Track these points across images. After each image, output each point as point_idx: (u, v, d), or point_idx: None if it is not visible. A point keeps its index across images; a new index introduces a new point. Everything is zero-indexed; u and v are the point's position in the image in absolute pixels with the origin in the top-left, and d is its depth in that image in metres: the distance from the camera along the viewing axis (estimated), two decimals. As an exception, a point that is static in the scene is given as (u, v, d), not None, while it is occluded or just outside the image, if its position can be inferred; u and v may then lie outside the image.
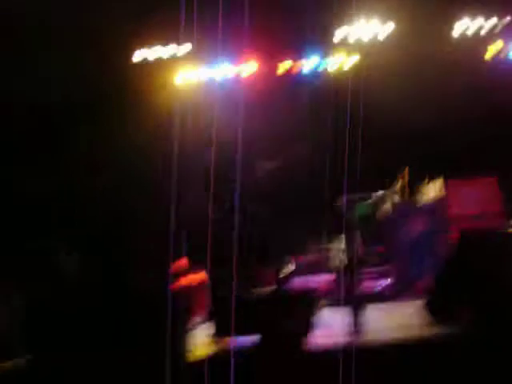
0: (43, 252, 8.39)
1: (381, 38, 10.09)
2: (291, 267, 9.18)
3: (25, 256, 8.10)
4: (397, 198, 9.62)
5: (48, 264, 8.12)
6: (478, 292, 6.22)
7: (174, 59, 9.78)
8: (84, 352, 6.30)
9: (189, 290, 7.23)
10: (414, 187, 9.68)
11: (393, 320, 7.33)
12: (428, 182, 9.77)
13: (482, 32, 10.22)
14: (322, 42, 10.15)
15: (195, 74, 9.91)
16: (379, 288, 9.00)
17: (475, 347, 5.76)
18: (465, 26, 10.17)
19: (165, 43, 9.72)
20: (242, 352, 6.01)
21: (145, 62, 9.88)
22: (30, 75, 8.96)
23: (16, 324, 6.89)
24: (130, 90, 9.39)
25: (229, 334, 6.15)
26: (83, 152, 9.53)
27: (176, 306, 6.59)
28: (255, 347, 5.83)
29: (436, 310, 6.53)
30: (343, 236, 7.94)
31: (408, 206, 9.47)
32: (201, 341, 6.61)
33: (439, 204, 9.39)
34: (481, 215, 9.26)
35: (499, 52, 10.32)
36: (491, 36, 10.25)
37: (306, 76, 10.29)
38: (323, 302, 8.55)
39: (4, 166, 9.08)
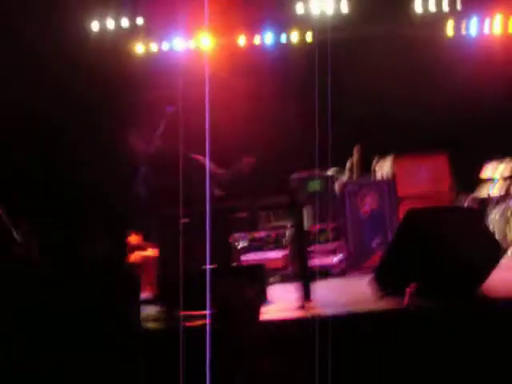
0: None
1: (344, 10, 10.05)
2: (243, 243, 9.27)
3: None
4: (348, 176, 9.74)
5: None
6: (423, 268, 6.36)
7: (126, 32, 9.68)
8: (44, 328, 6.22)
9: (137, 265, 7.26)
10: (364, 165, 9.80)
11: (343, 295, 7.46)
12: (378, 160, 9.90)
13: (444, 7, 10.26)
14: (283, 14, 10.08)
15: (149, 48, 9.84)
16: (329, 264, 9.14)
17: (420, 321, 5.89)
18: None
19: (117, 16, 9.62)
20: (193, 328, 6.04)
21: (97, 35, 9.75)
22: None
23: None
24: (83, 64, 9.27)
25: (180, 310, 6.18)
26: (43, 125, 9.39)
27: (131, 277, 6.60)
28: (207, 322, 5.86)
29: (383, 285, 6.65)
30: (294, 212, 7.98)
31: (358, 184, 9.59)
32: (151, 316, 6.63)
33: (389, 182, 9.53)
34: (430, 194, 9.42)
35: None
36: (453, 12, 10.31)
37: (268, 49, 10.16)
38: (275, 277, 8.68)
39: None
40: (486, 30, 10.76)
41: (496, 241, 7.06)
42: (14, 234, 8.14)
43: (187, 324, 5.96)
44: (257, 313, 6.12)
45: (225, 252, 8.24)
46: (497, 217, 9.95)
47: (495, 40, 10.82)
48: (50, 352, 5.86)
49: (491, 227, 9.47)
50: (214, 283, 5.67)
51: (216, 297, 5.76)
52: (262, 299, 6.65)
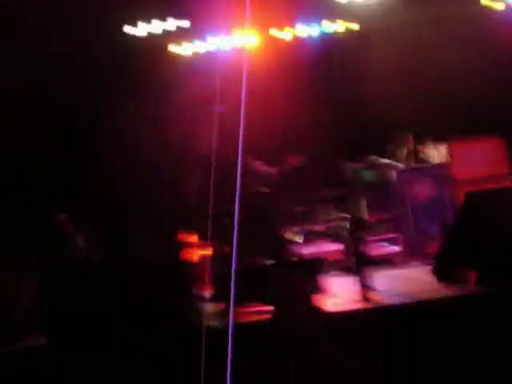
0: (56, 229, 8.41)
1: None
2: (300, 236, 9.23)
3: (37, 233, 8.15)
4: (402, 164, 9.62)
5: (60, 240, 8.16)
6: (485, 252, 6.24)
7: (172, 33, 9.72)
8: (98, 330, 6.34)
9: (195, 264, 7.29)
10: (418, 153, 9.67)
11: (401, 286, 7.37)
12: (433, 147, 9.75)
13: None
14: (325, 4, 9.97)
15: (193, 48, 9.85)
16: (390, 253, 9.04)
17: (482, 309, 5.79)
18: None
19: (163, 18, 9.67)
20: (255, 323, 6.06)
21: (144, 36, 9.81)
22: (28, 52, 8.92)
23: (28, 302, 6.94)
24: (130, 65, 9.34)
25: (240, 306, 6.19)
26: (86, 130, 9.52)
27: (188, 276, 6.66)
28: (269, 317, 5.87)
29: (443, 274, 6.54)
30: (349, 203, 7.95)
31: (413, 172, 9.46)
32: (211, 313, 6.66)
33: (445, 168, 9.37)
34: (488, 178, 9.23)
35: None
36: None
37: (314, 41, 10.04)
38: (332, 270, 8.62)
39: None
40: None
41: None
42: (78, 239, 8.30)
43: (240, 320, 5.99)
44: (316, 304, 6.10)
45: (278, 246, 8.23)
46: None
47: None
48: (110, 349, 5.98)
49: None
50: (272, 278, 5.68)
51: (274, 291, 5.77)
52: (320, 294, 6.62)
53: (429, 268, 6.90)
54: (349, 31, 9.91)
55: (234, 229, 5.10)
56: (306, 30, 9.76)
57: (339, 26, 9.83)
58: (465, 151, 9.40)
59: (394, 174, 9.48)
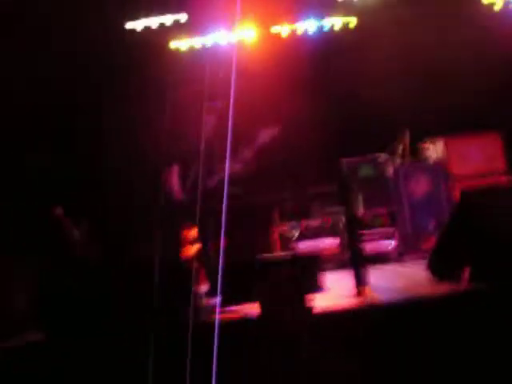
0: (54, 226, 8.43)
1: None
2: (296, 232, 9.25)
3: (36, 230, 8.17)
4: (399, 160, 9.63)
5: (57, 233, 8.18)
6: (478, 249, 6.26)
7: (170, 28, 9.69)
8: (96, 327, 6.36)
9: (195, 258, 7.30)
10: (415, 148, 9.67)
11: (397, 281, 7.40)
12: (429, 143, 9.75)
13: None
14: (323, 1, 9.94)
15: (192, 43, 9.83)
16: (386, 249, 9.07)
17: (477, 305, 5.81)
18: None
19: (160, 13, 9.64)
20: (249, 319, 6.07)
21: (142, 31, 9.78)
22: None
23: (27, 298, 6.98)
24: (128, 60, 9.33)
25: (235, 302, 6.21)
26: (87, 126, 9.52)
27: (189, 273, 6.67)
28: (262, 313, 5.87)
29: (439, 269, 6.57)
30: (345, 198, 7.94)
31: (412, 167, 9.47)
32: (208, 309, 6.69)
33: (441, 164, 9.39)
34: (485, 173, 9.24)
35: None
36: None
37: (311, 37, 10.01)
38: (331, 264, 8.64)
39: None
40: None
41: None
42: (75, 233, 8.31)
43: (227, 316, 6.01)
44: (308, 301, 6.11)
45: (266, 243, 8.24)
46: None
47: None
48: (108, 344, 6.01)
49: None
50: (265, 273, 5.69)
51: (267, 286, 5.78)
52: (316, 287, 6.64)
53: (424, 264, 6.92)
54: (346, 27, 9.88)
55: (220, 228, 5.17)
56: (304, 26, 9.73)
57: (337, 22, 9.80)
58: (461, 147, 9.42)
59: (391, 170, 9.50)
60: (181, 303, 6.23)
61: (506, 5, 10.07)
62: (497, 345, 5.65)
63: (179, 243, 7.04)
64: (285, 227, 9.23)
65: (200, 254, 7.24)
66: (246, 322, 5.85)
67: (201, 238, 7.09)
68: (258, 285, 6.04)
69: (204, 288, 7.25)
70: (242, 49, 9.46)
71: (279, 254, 8.70)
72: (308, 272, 6.73)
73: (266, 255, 7.28)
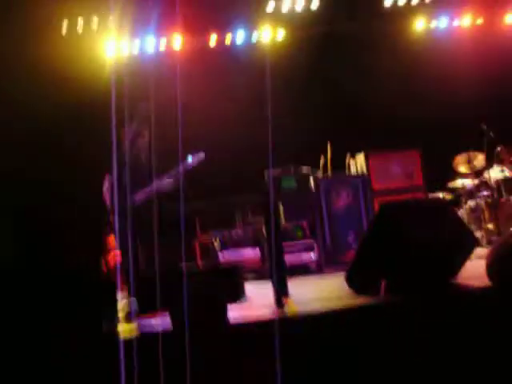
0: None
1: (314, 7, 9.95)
2: (217, 242, 9.27)
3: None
4: (320, 173, 9.78)
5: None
6: (396, 262, 6.40)
7: (97, 32, 9.58)
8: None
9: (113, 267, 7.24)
10: (336, 162, 9.84)
11: (316, 292, 7.49)
12: (351, 157, 9.96)
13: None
14: (253, 11, 10.01)
15: (119, 48, 9.76)
16: (306, 260, 9.18)
17: (394, 316, 5.92)
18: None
19: (87, 15, 9.52)
20: (166, 330, 6.01)
21: (69, 35, 9.64)
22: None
23: None
24: (54, 65, 9.16)
25: (153, 311, 6.15)
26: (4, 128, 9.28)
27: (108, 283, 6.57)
28: (178, 324, 5.83)
29: (357, 281, 6.68)
30: (268, 209, 8.00)
31: (333, 180, 9.64)
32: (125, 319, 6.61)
33: (363, 177, 9.59)
34: (403, 189, 9.50)
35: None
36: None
37: (239, 48, 10.06)
38: (248, 275, 8.69)
39: None
40: (456, 23, 10.82)
41: (469, 231, 7.09)
42: None
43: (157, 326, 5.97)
44: (229, 313, 6.11)
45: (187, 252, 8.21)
46: (470, 208, 10.06)
47: (464, 32, 10.87)
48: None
49: (464, 218, 9.58)
50: (189, 283, 5.66)
51: (186, 296, 5.75)
52: (236, 298, 6.65)
53: (342, 276, 7.02)
54: (274, 39, 10.01)
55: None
56: (232, 37, 9.82)
57: (265, 34, 9.92)
58: (382, 162, 9.65)
59: (312, 182, 9.64)
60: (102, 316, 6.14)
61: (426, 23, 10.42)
62: (411, 354, 5.78)
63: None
64: (206, 237, 9.24)
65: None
66: (158, 334, 5.78)
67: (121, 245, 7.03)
68: (173, 295, 6.00)
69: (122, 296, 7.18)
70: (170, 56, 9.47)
71: (198, 263, 8.70)
72: (227, 282, 6.75)
73: (184, 264, 7.25)
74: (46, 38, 9.01)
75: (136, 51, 9.82)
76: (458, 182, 10.39)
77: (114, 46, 9.70)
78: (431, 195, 9.94)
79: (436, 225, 6.60)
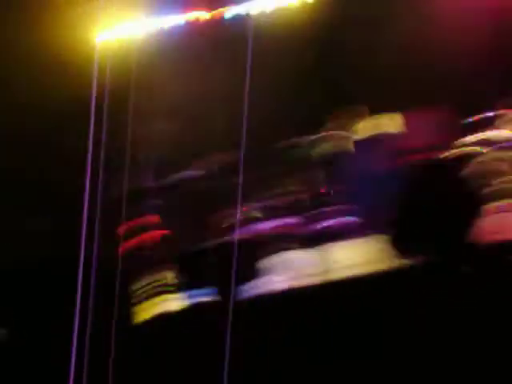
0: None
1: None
2: (255, 212, 9.33)
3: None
4: (358, 136, 9.76)
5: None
6: (432, 224, 6.41)
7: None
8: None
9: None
10: (367, 124, 9.81)
11: (357, 256, 7.53)
12: (387, 118, 9.90)
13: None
14: None
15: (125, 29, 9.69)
16: (344, 225, 9.21)
17: (434, 278, 5.95)
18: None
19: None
20: (200, 305, 6.06)
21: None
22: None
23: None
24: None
25: (190, 287, 6.22)
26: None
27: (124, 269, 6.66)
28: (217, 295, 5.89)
29: (397, 243, 6.70)
30: (306, 176, 8.05)
31: (368, 143, 9.62)
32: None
33: (398, 139, 9.55)
34: (435, 147, 9.44)
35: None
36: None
37: (228, 22, 9.93)
38: (287, 244, 8.74)
39: None
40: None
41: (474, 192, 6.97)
42: None
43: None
44: (272, 282, 6.16)
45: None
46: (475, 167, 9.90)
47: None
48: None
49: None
50: (224, 257, 5.67)
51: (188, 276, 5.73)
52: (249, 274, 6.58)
53: (382, 238, 7.06)
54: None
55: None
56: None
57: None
58: (416, 121, 9.59)
59: (350, 146, 9.65)
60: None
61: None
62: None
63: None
64: (248, 208, 9.29)
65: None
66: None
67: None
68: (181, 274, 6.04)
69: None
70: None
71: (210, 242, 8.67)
72: (238, 259, 6.69)
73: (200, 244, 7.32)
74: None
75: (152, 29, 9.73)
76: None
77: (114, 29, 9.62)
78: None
79: (444, 185, 6.54)
